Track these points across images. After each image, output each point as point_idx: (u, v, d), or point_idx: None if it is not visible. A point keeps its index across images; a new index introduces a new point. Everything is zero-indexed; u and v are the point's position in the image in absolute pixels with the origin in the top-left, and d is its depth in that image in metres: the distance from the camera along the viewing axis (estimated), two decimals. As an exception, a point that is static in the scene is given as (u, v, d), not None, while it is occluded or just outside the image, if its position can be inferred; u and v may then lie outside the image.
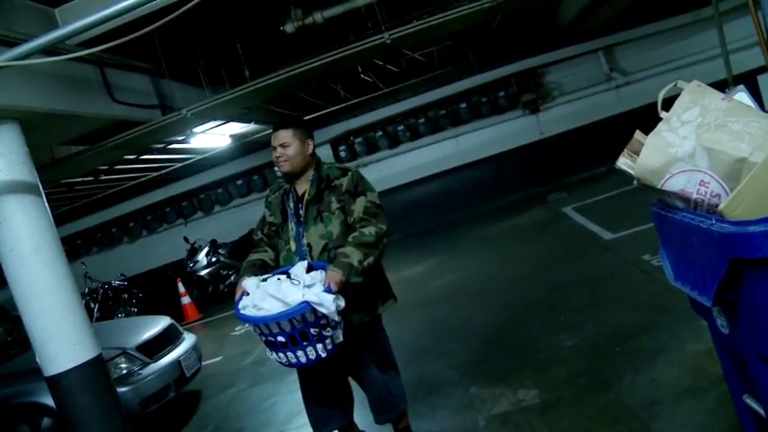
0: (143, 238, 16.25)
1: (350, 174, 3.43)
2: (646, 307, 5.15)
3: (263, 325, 2.99)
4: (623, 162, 2.46)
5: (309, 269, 3.19)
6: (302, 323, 2.95)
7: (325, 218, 3.36)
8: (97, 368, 4.44)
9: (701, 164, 2.16)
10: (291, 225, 3.45)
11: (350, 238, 3.24)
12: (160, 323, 6.70)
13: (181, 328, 7.04)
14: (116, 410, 4.53)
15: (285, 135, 3.43)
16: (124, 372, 5.76)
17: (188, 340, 6.76)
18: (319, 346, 3.03)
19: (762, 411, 2.25)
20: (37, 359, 4.38)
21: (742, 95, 2.37)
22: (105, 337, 5.45)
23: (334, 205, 3.37)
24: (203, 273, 12.95)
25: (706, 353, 3.80)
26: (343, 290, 3.06)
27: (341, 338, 3.12)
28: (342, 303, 3.03)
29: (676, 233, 2.38)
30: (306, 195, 3.44)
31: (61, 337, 4.30)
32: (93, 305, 11.96)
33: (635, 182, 2.39)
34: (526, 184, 14.34)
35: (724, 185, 2.13)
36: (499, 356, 5.22)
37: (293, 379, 5.88)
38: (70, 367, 4.29)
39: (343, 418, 3.64)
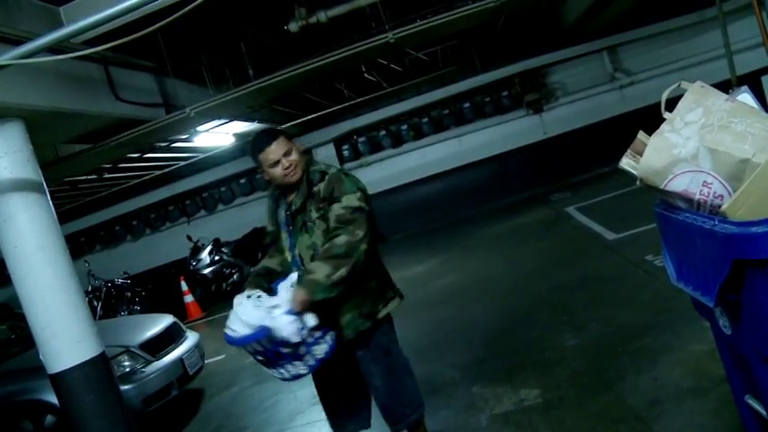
0: (146, 237, 16.27)
1: (327, 178, 3.24)
2: (648, 307, 5.15)
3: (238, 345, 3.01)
4: (626, 162, 2.46)
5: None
6: (271, 344, 2.92)
7: (309, 228, 3.22)
8: (100, 366, 4.45)
9: (704, 165, 2.16)
10: (285, 235, 3.37)
11: (321, 251, 3.13)
12: (163, 321, 6.72)
13: (183, 327, 7.06)
14: (119, 408, 4.54)
15: (285, 143, 3.23)
16: (127, 370, 5.78)
17: (191, 338, 6.77)
18: (298, 363, 3.02)
19: (764, 412, 2.25)
20: (40, 357, 4.39)
21: (745, 96, 2.37)
22: (108, 334, 5.47)
23: (314, 214, 3.21)
24: (206, 271, 12.98)
25: (708, 353, 3.80)
26: (315, 307, 2.99)
27: (322, 354, 3.06)
28: (311, 322, 2.97)
29: (679, 234, 2.38)
30: (293, 205, 3.30)
31: (65, 334, 4.31)
32: (96, 303, 11.98)
33: (638, 182, 2.39)
34: (529, 183, 14.35)
35: (727, 186, 2.12)
36: (501, 356, 5.22)
37: (296, 378, 5.92)
38: (73, 365, 4.30)
39: (363, 422, 3.50)
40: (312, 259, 3.19)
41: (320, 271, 3.02)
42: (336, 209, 3.15)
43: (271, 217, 3.47)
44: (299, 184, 3.26)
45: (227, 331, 3.01)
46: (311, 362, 3.06)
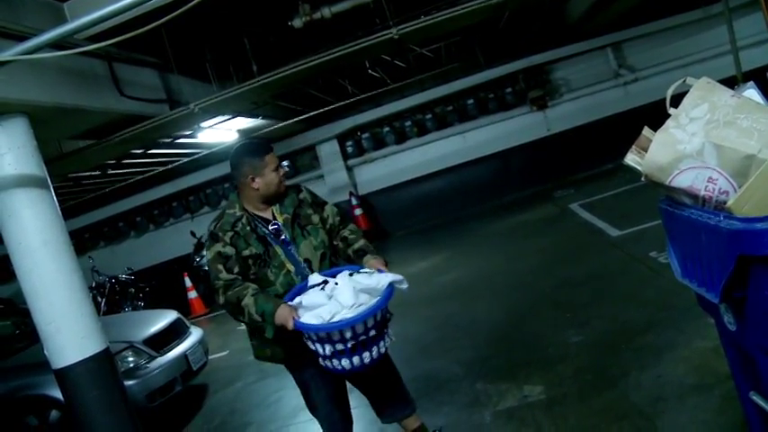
0: (150, 233, 16.28)
1: (303, 188, 3.51)
2: (652, 304, 5.14)
3: (360, 324, 2.79)
4: (631, 158, 2.46)
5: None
6: (385, 309, 2.97)
7: (311, 230, 3.33)
8: (105, 361, 4.45)
9: (710, 160, 2.15)
10: (279, 249, 3.24)
11: (349, 236, 3.41)
12: (167, 317, 6.74)
13: (187, 322, 7.08)
14: (123, 404, 4.55)
15: None
16: (131, 365, 5.80)
17: (195, 334, 6.80)
18: (390, 331, 3.08)
19: (768, 408, 2.25)
20: (45, 352, 4.40)
21: (751, 92, 2.36)
22: (113, 330, 5.48)
23: (315, 217, 3.38)
24: (210, 267, 12.97)
25: (712, 350, 3.80)
26: None
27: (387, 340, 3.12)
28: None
29: (684, 230, 2.37)
30: (279, 215, 3.31)
31: (69, 330, 4.32)
32: (100, 299, 12.00)
33: (643, 178, 2.38)
34: (533, 180, 14.32)
35: (732, 182, 2.12)
36: (505, 352, 5.23)
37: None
38: (78, 360, 4.30)
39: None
40: (323, 258, 3.31)
41: (370, 246, 3.36)
42: (331, 208, 3.51)
43: (249, 239, 3.23)
44: (285, 194, 3.38)
45: (349, 312, 2.84)
46: (388, 339, 3.05)
